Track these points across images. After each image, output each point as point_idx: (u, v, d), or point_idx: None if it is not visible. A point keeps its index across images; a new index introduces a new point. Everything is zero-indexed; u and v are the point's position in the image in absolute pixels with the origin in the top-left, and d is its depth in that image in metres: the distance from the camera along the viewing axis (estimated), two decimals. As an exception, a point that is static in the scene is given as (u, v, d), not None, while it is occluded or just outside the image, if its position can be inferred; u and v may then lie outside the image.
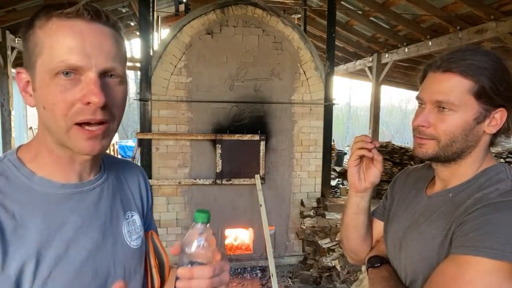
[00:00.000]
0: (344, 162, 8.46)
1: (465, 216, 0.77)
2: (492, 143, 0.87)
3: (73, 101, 0.63)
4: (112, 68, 0.66)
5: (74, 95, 0.63)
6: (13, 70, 6.22)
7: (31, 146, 0.73)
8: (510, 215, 0.72)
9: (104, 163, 0.81)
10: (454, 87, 0.80)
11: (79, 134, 0.65)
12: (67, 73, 0.62)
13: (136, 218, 0.84)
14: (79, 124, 0.65)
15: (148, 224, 0.93)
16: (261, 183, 4.47)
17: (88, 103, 0.63)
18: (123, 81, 0.70)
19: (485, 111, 0.81)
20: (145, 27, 4.28)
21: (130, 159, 4.28)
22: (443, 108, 0.82)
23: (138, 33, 4.37)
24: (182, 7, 6.77)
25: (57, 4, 0.63)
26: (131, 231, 0.80)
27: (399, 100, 25.99)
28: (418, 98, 0.89)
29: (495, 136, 0.85)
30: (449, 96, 0.80)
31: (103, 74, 0.65)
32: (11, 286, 0.61)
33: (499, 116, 0.82)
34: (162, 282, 0.87)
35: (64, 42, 0.62)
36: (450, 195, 0.86)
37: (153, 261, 0.85)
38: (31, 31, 0.65)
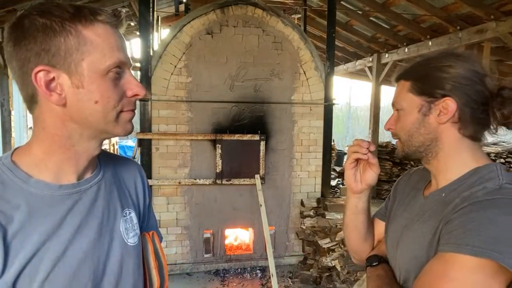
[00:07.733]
0: (344, 162, 8.47)
1: (452, 214, 0.79)
2: (475, 139, 0.86)
3: (122, 94, 0.72)
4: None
5: (122, 88, 0.72)
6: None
7: (30, 149, 0.72)
8: (493, 213, 0.73)
9: (99, 160, 0.81)
10: (400, 90, 0.94)
11: (126, 116, 0.74)
12: (118, 71, 0.71)
13: (133, 215, 0.84)
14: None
15: (147, 224, 0.92)
16: (261, 183, 4.47)
17: (136, 95, 0.74)
18: None
19: (427, 102, 0.87)
20: (145, 27, 4.28)
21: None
22: (397, 110, 0.94)
23: (138, 33, 4.37)
24: (182, 7, 6.77)
25: (90, 9, 0.69)
26: (128, 228, 0.81)
27: (399, 100, 25.87)
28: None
29: (466, 129, 0.85)
30: (398, 98, 0.94)
31: None
32: None
33: (446, 106, 0.84)
34: (162, 283, 0.87)
35: (115, 43, 0.70)
36: (443, 194, 0.88)
37: (153, 262, 0.86)
38: (72, 29, 0.65)
